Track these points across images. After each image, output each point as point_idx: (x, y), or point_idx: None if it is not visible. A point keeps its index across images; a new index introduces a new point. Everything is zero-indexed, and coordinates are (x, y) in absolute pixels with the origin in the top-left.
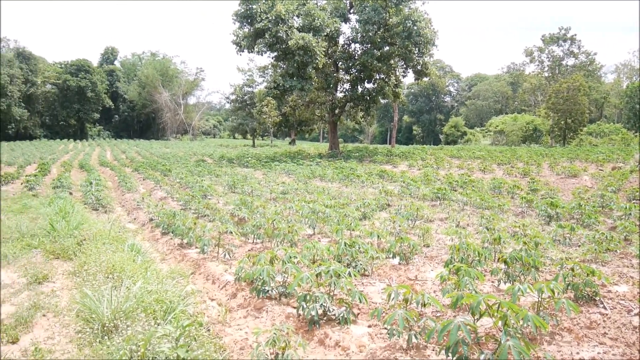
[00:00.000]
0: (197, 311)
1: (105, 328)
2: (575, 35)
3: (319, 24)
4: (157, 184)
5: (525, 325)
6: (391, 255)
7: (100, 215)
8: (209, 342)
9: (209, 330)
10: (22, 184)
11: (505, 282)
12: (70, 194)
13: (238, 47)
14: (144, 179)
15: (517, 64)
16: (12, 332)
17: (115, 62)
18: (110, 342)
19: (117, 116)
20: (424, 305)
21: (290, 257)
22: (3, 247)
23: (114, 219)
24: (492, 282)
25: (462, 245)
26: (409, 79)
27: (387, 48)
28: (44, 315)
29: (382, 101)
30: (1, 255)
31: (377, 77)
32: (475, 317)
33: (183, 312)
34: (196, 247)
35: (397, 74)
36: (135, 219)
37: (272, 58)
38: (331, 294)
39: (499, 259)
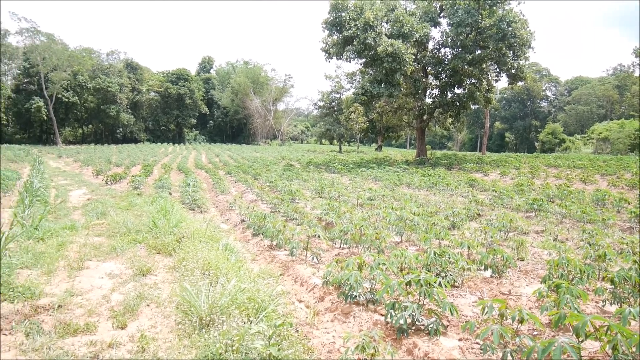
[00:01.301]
0: (287, 312)
1: (202, 321)
2: None
3: (407, 30)
4: (248, 187)
5: (638, 352)
6: (482, 267)
7: (196, 214)
8: (297, 342)
9: (297, 331)
10: (128, 183)
11: (611, 304)
12: (170, 194)
13: (327, 54)
14: (235, 182)
15: (625, 65)
16: (121, 318)
17: (211, 71)
18: (207, 335)
19: (211, 121)
20: (521, 321)
21: (379, 264)
22: (113, 240)
23: (209, 219)
24: (596, 302)
25: (562, 260)
26: (502, 83)
27: (479, 51)
28: (147, 305)
29: (473, 107)
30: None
31: (468, 82)
32: (580, 339)
33: (274, 312)
34: (285, 250)
35: (490, 78)
36: (227, 219)
37: (361, 64)
38: (420, 303)
39: (603, 277)
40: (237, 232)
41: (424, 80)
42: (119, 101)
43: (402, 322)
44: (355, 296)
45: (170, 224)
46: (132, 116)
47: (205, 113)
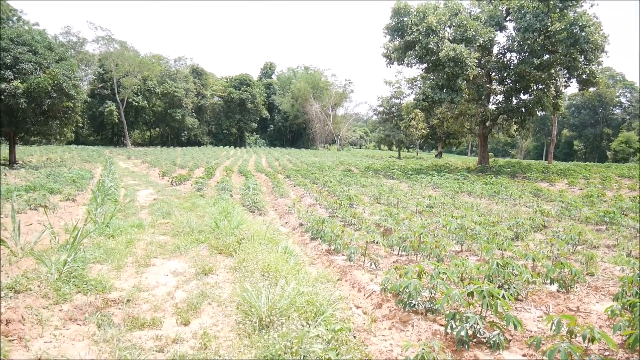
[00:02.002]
0: (344, 317)
1: (262, 322)
2: None
3: (471, 34)
4: (307, 191)
5: None
6: (548, 281)
7: (256, 217)
8: (355, 348)
9: (354, 337)
10: (192, 184)
11: None
12: (231, 196)
13: (388, 60)
14: (294, 186)
15: None
16: (184, 315)
17: (273, 76)
18: (267, 336)
19: (272, 126)
20: (592, 340)
21: (439, 273)
22: (177, 239)
23: (269, 221)
24: None
25: (636, 277)
26: (572, 89)
27: (548, 56)
28: (209, 304)
29: (539, 113)
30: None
31: (535, 88)
32: None
33: (332, 317)
34: (343, 255)
35: (558, 83)
36: (286, 222)
37: (422, 70)
38: (482, 315)
39: None
40: (295, 236)
41: (487, 85)
42: (184, 105)
43: (463, 333)
44: (414, 305)
45: (231, 226)
46: (197, 120)
47: (266, 117)
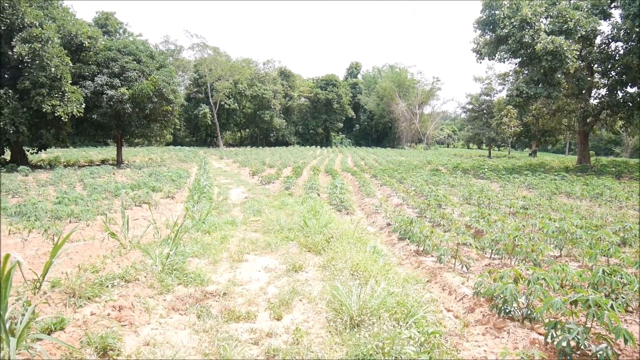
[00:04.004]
0: (436, 320)
1: (352, 321)
2: None
3: (571, 25)
4: (394, 191)
5: None
6: None
7: (343, 216)
8: (448, 352)
9: (446, 341)
10: (280, 183)
11: None
12: (318, 195)
13: (478, 55)
14: (381, 185)
15: None
16: (277, 310)
17: (358, 76)
18: (358, 335)
19: (357, 125)
20: None
21: (538, 278)
22: (267, 236)
23: (356, 221)
24: None
25: None
26: None
27: None
28: (300, 300)
29: None
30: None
31: None
32: None
33: (423, 319)
34: (432, 256)
35: None
36: (373, 222)
37: (515, 64)
38: (586, 326)
39: None
40: (382, 236)
41: (589, 79)
42: (272, 107)
43: (564, 344)
44: (510, 311)
45: (319, 224)
46: (284, 120)
47: (352, 117)
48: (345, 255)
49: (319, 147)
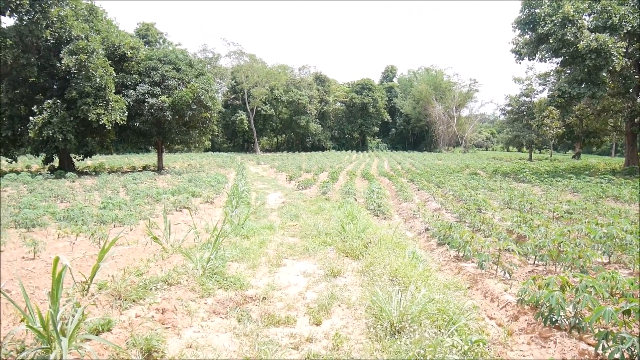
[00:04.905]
0: (478, 328)
1: (393, 327)
2: None
3: (616, 21)
4: (431, 195)
5: None
6: None
7: (381, 221)
8: None
9: (490, 349)
10: (317, 188)
11: None
12: (355, 199)
13: (517, 56)
14: (418, 190)
15: None
16: (316, 315)
17: (394, 80)
18: (399, 342)
19: (393, 129)
20: None
21: (586, 286)
22: (305, 241)
23: (394, 226)
24: None
25: None
26: None
27: None
28: (339, 306)
29: None
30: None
31: None
32: None
33: (466, 326)
34: (472, 262)
35: None
36: (411, 227)
37: (557, 64)
38: None
39: None
40: (421, 241)
41: (636, 77)
42: (308, 112)
43: (617, 356)
44: (556, 320)
45: (357, 229)
46: (320, 125)
47: (388, 121)
48: (383, 261)
49: (354, 151)
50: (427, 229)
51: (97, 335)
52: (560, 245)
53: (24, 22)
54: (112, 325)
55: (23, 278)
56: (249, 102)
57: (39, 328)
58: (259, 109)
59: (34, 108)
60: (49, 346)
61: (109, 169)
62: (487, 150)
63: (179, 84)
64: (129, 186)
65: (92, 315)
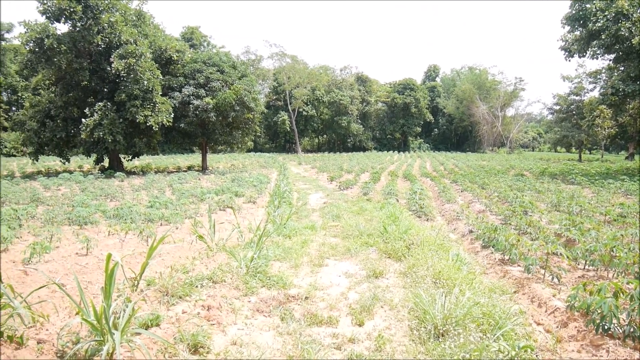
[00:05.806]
0: (525, 333)
1: (437, 330)
2: None
3: None
4: (475, 197)
5: None
6: None
7: (423, 222)
8: None
9: (537, 356)
10: (358, 189)
11: None
12: (397, 200)
13: (567, 53)
14: (461, 191)
15: None
16: (358, 316)
17: (437, 79)
18: (443, 345)
19: (436, 129)
20: None
21: None
22: (347, 241)
23: (438, 227)
24: None
25: None
26: None
27: None
28: (381, 307)
29: None
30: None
31: None
32: None
33: (512, 331)
34: (519, 265)
35: None
36: (455, 229)
37: (609, 61)
38: None
39: None
40: (465, 243)
41: None
42: (349, 112)
43: None
44: (609, 328)
45: (399, 230)
46: (361, 126)
47: (430, 121)
48: (426, 263)
49: (396, 152)
50: (470, 231)
51: (146, 329)
52: (612, 250)
53: (77, 29)
54: (161, 321)
55: (77, 273)
56: (290, 103)
57: (93, 321)
58: (301, 109)
59: (86, 110)
60: (102, 339)
61: (156, 169)
62: (533, 150)
63: (222, 86)
64: (174, 186)
65: (142, 311)
